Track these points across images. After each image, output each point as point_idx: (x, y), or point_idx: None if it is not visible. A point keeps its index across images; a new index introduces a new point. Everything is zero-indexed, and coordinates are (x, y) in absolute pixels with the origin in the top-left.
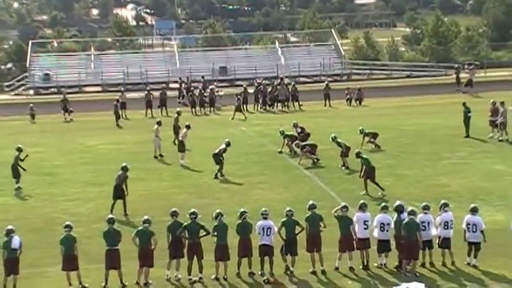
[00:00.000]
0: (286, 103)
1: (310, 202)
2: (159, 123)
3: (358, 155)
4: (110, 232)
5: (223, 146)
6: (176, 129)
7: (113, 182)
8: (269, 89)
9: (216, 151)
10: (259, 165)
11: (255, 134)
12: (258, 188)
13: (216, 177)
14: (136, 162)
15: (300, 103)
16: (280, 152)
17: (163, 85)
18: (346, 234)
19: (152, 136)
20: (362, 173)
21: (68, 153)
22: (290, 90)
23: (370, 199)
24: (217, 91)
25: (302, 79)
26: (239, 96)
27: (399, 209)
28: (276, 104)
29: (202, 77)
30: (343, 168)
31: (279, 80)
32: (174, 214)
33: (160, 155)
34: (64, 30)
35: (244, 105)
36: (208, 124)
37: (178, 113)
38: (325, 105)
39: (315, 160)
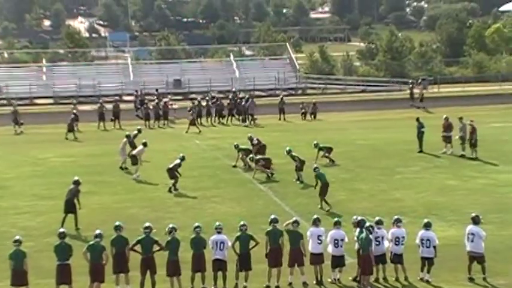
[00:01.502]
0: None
1: (272, 216)
2: (128, 136)
3: (315, 170)
4: (61, 246)
5: (178, 160)
6: (133, 145)
7: (65, 196)
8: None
9: (171, 166)
10: (213, 179)
11: (209, 148)
12: (212, 202)
13: (169, 191)
14: (89, 176)
15: (255, 117)
16: (235, 166)
17: (117, 97)
18: (295, 249)
19: (119, 148)
20: (318, 188)
21: (18, 165)
22: (244, 103)
23: (325, 214)
24: (171, 104)
25: (257, 93)
26: (193, 110)
27: (362, 224)
28: (247, 117)
29: (156, 89)
30: (298, 182)
31: (246, 95)
32: (117, 228)
33: (126, 167)
34: (15, 41)
35: (199, 119)
36: (162, 137)
37: (139, 131)
38: (280, 119)
39: (270, 174)
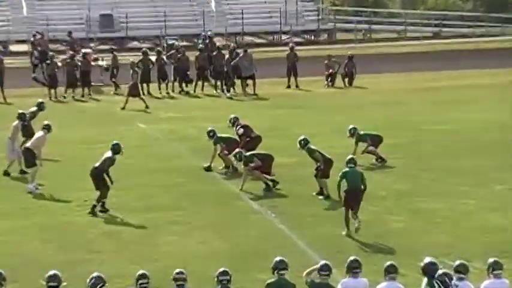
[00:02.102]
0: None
1: (278, 258)
2: (21, 116)
3: (348, 163)
4: None
5: (109, 154)
6: (28, 132)
7: None
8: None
9: (97, 164)
10: (171, 191)
11: (163, 136)
12: (170, 233)
13: (92, 212)
14: None
15: (246, 82)
16: (209, 169)
17: (0, 47)
18: None
19: (6, 138)
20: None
21: None
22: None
23: (366, 253)
24: (96, 59)
25: (250, 39)
26: (136, 69)
27: (433, 271)
28: (233, 84)
29: (69, 33)
30: (320, 197)
31: (231, 43)
32: None
33: (22, 172)
34: None
35: (145, 85)
36: (81, 118)
37: (40, 107)
38: (289, 85)
39: (270, 183)
